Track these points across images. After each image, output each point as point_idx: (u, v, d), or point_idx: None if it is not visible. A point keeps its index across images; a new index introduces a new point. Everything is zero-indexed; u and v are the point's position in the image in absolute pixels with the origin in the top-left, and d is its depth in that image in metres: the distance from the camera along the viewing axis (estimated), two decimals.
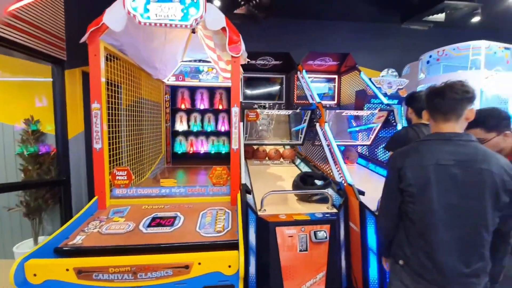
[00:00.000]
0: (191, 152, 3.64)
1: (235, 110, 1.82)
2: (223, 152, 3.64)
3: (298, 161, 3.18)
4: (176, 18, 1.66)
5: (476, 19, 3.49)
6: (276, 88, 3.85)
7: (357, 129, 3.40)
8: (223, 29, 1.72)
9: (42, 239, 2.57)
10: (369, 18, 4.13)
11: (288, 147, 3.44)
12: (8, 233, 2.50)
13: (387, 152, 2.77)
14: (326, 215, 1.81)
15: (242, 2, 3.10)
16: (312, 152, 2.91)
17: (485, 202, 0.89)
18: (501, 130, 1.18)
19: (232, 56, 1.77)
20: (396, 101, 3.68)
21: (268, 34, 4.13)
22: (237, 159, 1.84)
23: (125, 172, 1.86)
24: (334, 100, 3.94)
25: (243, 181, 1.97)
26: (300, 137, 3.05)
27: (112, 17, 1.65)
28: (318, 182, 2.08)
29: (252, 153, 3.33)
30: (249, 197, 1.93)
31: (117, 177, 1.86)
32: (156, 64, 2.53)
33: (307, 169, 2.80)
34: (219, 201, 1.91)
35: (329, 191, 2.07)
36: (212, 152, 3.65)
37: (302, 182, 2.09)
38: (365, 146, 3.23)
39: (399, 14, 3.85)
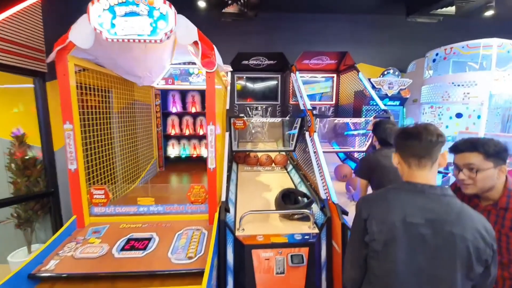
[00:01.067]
0: (183, 156, 3.62)
1: (211, 129, 1.74)
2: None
3: (290, 167, 3.09)
4: (145, 33, 1.57)
5: (489, 12, 3.13)
6: (274, 83, 3.70)
7: (354, 132, 3.25)
8: (195, 42, 1.61)
9: (37, 247, 2.67)
10: (371, 9, 3.81)
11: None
12: (4, 242, 2.59)
13: None
14: (306, 237, 1.75)
15: (230, 1, 2.93)
16: (303, 158, 2.81)
17: (456, 272, 0.79)
18: (498, 162, 1.05)
19: (206, 72, 1.67)
20: (398, 102, 3.49)
21: (261, 30, 3.92)
22: (214, 179, 1.78)
23: (103, 191, 1.85)
24: (332, 100, 3.77)
25: (223, 198, 1.93)
26: (292, 144, 2.95)
27: (78, 34, 1.58)
28: (302, 200, 2.01)
29: (243, 158, 3.27)
30: (229, 214, 1.89)
31: (94, 196, 1.85)
32: (139, 73, 2.46)
33: (297, 177, 2.71)
34: (197, 219, 1.88)
35: (313, 208, 2.00)
36: (205, 155, 3.61)
37: (285, 198, 2.03)
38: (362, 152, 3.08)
39: (405, 6, 3.52)
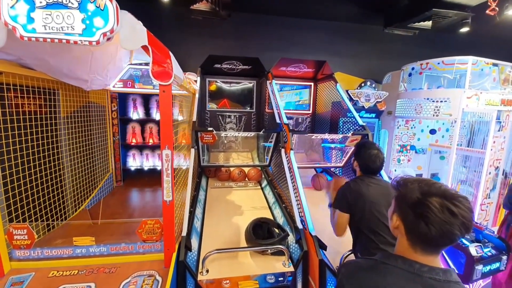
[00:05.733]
0: (146, 168, 3.22)
1: (166, 154, 1.43)
2: (185, 167, 3.25)
3: (264, 183, 2.86)
4: (75, 32, 1.20)
5: (465, 29, 3.20)
6: (250, 85, 3.42)
7: (332, 145, 3.11)
8: (145, 47, 1.29)
9: None
10: (349, 18, 3.72)
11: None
12: None
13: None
14: (280, 279, 1.53)
15: None
16: (279, 174, 2.60)
17: None
18: None
19: (160, 85, 1.35)
20: (374, 115, 3.43)
21: (235, 32, 3.63)
22: (171, 214, 1.48)
23: (25, 230, 1.44)
24: (309, 109, 3.61)
25: (184, 232, 1.63)
26: (267, 158, 2.72)
27: None
28: (276, 232, 1.78)
29: (214, 172, 2.97)
30: (191, 252, 1.60)
31: (14, 237, 1.44)
32: (84, 76, 2.04)
33: (272, 196, 2.49)
34: (151, 259, 1.56)
35: (289, 238, 1.79)
36: (174, 167, 3.25)
37: (257, 228, 1.79)
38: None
39: (383, 18, 3.47)
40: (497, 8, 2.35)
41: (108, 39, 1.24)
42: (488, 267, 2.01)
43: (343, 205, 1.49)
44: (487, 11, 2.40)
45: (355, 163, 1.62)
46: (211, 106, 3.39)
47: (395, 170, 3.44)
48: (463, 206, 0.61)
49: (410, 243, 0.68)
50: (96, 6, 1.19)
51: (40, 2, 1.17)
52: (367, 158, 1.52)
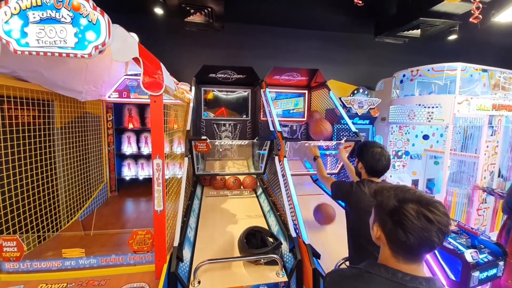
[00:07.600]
0: (141, 178, 3.21)
1: (157, 163, 1.44)
2: (179, 176, 3.24)
3: (259, 190, 2.85)
4: (68, 45, 1.24)
5: (453, 36, 3.29)
6: (246, 94, 3.45)
7: (326, 152, 3.13)
8: (136, 59, 1.32)
9: None
10: (341, 28, 3.82)
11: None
12: None
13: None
14: None
15: (192, 11, 2.67)
16: (274, 182, 2.60)
17: None
18: None
19: (150, 95, 1.38)
20: (367, 121, 3.47)
21: (229, 42, 3.71)
22: (162, 224, 1.47)
23: (14, 242, 1.43)
24: (304, 116, 3.65)
25: (176, 242, 1.61)
26: (261, 166, 2.72)
27: None
28: (269, 241, 1.76)
29: (209, 180, 2.96)
30: (183, 263, 1.58)
31: (4, 249, 1.43)
32: (79, 87, 2.07)
33: (267, 205, 2.48)
34: (142, 271, 1.54)
35: (282, 246, 1.77)
36: (167, 177, 3.24)
37: (250, 237, 1.77)
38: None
39: (373, 26, 3.57)
40: (480, 16, 2.42)
41: (100, 52, 1.28)
42: (485, 273, 1.99)
43: (334, 195, 1.60)
44: (471, 19, 2.47)
45: (360, 165, 1.51)
46: (209, 114, 3.42)
47: (391, 176, 3.45)
48: (439, 212, 0.62)
49: (392, 252, 0.68)
50: (89, 21, 1.23)
51: (34, 18, 1.21)
52: (370, 157, 1.41)
